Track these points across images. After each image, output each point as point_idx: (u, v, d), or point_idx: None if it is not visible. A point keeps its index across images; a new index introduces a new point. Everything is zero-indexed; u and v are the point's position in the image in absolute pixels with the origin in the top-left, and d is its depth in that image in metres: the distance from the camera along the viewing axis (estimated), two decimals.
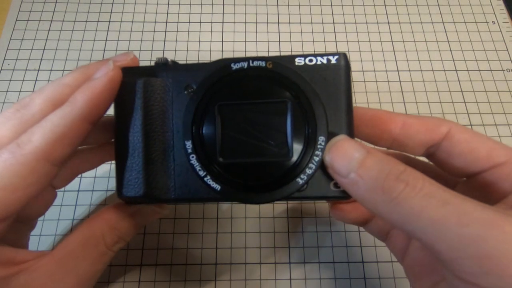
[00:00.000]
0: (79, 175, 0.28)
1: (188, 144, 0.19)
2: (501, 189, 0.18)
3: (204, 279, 0.30)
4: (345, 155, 0.18)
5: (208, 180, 0.19)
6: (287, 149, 0.19)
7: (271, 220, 0.32)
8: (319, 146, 0.19)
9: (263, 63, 0.19)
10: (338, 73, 0.19)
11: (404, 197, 0.16)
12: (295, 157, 0.19)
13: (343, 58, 0.19)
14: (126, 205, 0.23)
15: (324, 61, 0.19)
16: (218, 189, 0.19)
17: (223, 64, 0.19)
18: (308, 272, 0.30)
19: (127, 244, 0.23)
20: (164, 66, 0.21)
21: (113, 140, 0.25)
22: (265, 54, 0.39)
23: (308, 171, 0.19)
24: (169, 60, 0.21)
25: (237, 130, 0.19)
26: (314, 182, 0.19)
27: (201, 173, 0.19)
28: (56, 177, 0.20)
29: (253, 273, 0.30)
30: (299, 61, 0.20)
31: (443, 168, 0.21)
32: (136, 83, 0.20)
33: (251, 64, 0.19)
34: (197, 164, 0.19)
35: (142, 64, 0.38)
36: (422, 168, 0.18)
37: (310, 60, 0.19)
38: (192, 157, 0.19)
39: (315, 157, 0.19)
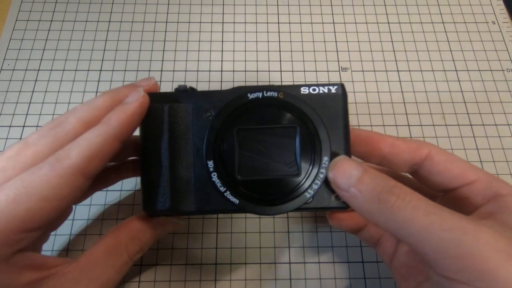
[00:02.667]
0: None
1: (210, 163, 0.22)
2: (472, 203, 0.22)
3: (204, 279, 0.30)
4: (345, 173, 0.21)
5: (228, 195, 0.22)
6: (296, 167, 0.22)
7: (271, 220, 0.32)
8: (323, 165, 0.22)
9: (275, 94, 0.22)
10: (338, 101, 0.23)
11: (397, 207, 0.19)
12: (303, 174, 0.22)
13: (341, 88, 0.23)
14: (148, 217, 0.24)
15: (326, 90, 0.23)
16: (237, 202, 0.22)
17: (240, 93, 0.22)
18: (308, 272, 0.30)
19: (157, 251, 0.25)
20: (184, 93, 0.23)
21: (130, 159, 0.28)
22: (265, 55, 0.39)
23: (314, 186, 0.22)
24: (188, 87, 0.24)
25: (253, 151, 0.22)
26: (319, 196, 0.22)
27: (222, 188, 0.22)
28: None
29: (253, 273, 0.30)
30: (304, 90, 0.23)
31: (425, 184, 0.24)
32: (162, 108, 0.23)
33: (265, 94, 0.22)
34: (218, 181, 0.22)
35: (141, 64, 0.38)
36: (406, 183, 0.20)
37: (314, 90, 0.23)
38: (214, 174, 0.22)
39: (320, 175, 0.22)
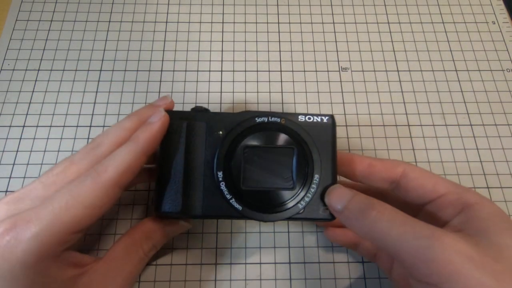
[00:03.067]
0: None
1: (220, 174, 0.25)
2: (446, 214, 0.24)
3: (204, 279, 0.30)
4: (339, 197, 0.24)
5: (233, 201, 0.25)
6: (292, 182, 0.25)
7: None
8: (314, 181, 0.25)
9: (278, 120, 0.26)
10: (328, 129, 0.26)
11: (377, 220, 0.22)
12: (297, 188, 0.25)
13: (331, 118, 0.27)
14: (159, 219, 0.27)
15: (319, 120, 0.27)
16: (240, 209, 0.25)
17: (249, 117, 0.26)
18: (308, 272, 0.30)
19: (157, 251, 0.28)
20: (200, 112, 0.27)
21: (146, 166, 0.29)
22: (265, 55, 0.40)
23: (306, 199, 0.25)
24: (202, 107, 0.28)
25: (256, 166, 0.25)
26: (310, 207, 0.25)
27: (228, 196, 0.25)
28: None
29: (253, 273, 0.30)
30: (301, 118, 0.26)
31: (405, 200, 0.26)
32: (181, 125, 0.26)
33: (270, 119, 0.26)
34: (225, 189, 0.25)
35: (141, 64, 0.39)
36: (393, 200, 0.25)
37: (309, 118, 0.26)
38: (222, 183, 0.25)
39: (311, 189, 0.25)
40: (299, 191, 0.25)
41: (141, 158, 0.24)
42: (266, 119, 0.26)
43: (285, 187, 0.25)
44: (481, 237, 0.21)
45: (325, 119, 0.27)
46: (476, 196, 0.23)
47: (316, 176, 0.25)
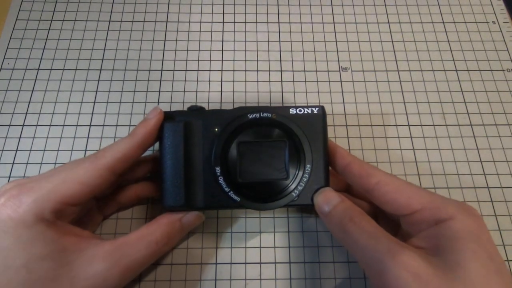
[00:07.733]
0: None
1: (217, 169, 0.27)
2: (419, 229, 0.24)
3: (204, 279, 0.30)
4: (326, 200, 0.26)
5: (231, 194, 0.26)
6: (285, 173, 0.27)
7: (271, 220, 0.32)
8: (306, 171, 0.27)
9: (269, 115, 0.27)
10: (318, 119, 0.28)
11: (351, 229, 0.24)
12: (290, 178, 0.27)
13: (322, 109, 0.28)
14: (175, 214, 0.28)
15: (309, 111, 0.28)
16: (238, 200, 0.26)
17: (242, 113, 0.27)
18: (308, 272, 0.30)
19: (172, 248, 0.30)
20: (196, 111, 0.28)
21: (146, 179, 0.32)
22: (265, 55, 0.39)
23: (299, 188, 0.27)
24: (198, 106, 0.29)
25: (251, 159, 0.27)
26: (303, 195, 0.27)
27: (226, 189, 0.26)
28: (105, 208, 0.30)
29: (253, 273, 0.30)
30: (292, 111, 0.28)
31: (384, 210, 0.26)
32: (179, 124, 0.27)
33: (261, 115, 0.27)
34: (223, 183, 0.26)
35: (141, 63, 0.39)
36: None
37: (300, 110, 0.28)
38: (220, 178, 0.27)
39: (304, 179, 0.27)
40: (293, 180, 0.27)
41: (137, 150, 0.27)
42: (258, 115, 0.27)
43: (279, 178, 0.27)
44: (440, 256, 0.21)
45: (315, 110, 0.28)
46: (453, 209, 0.23)
47: (308, 166, 0.27)
